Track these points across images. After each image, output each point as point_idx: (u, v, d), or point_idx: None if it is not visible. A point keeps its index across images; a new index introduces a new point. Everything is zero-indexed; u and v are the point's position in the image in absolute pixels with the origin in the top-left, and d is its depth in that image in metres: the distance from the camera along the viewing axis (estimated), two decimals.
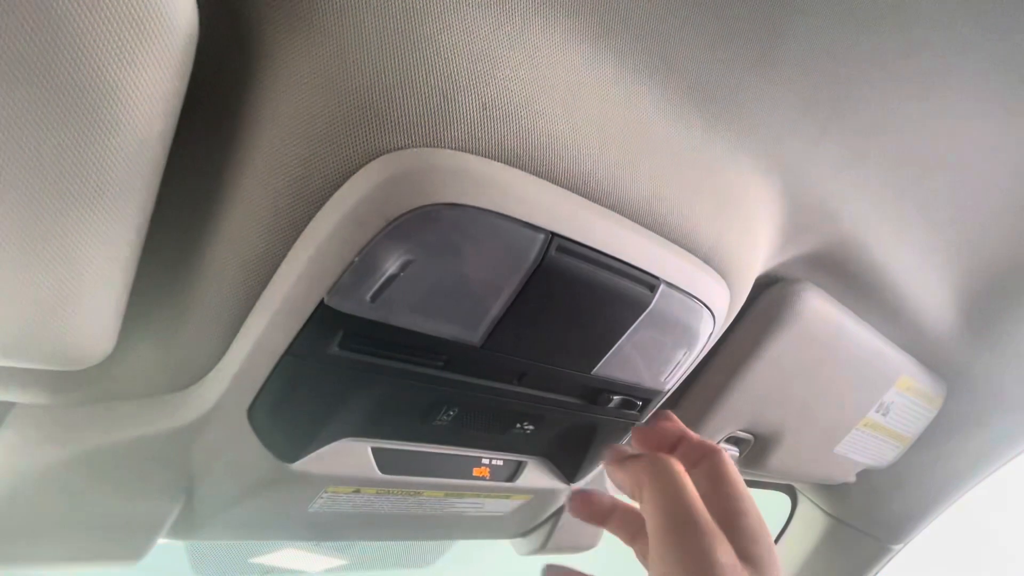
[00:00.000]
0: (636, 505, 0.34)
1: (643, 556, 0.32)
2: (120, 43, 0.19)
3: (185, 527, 0.37)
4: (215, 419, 0.31)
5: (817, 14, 0.28)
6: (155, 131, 0.22)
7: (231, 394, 0.30)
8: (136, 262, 0.26)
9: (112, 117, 0.21)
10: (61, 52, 0.19)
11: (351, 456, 0.35)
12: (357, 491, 0.37)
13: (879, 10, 0.28)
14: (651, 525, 0.26)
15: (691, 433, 0.31)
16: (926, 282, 0.49)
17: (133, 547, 0.34)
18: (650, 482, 0.26)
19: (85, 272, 0.24)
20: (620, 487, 0.30)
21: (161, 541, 0.36)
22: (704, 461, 0.29)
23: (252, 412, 0.31)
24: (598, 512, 0.34)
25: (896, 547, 0.80)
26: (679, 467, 0.27)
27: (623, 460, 0.30)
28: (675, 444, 0.31)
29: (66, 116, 0.20)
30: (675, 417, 0.34)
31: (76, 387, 0.31)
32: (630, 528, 0.33)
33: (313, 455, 0.33)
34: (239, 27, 0.25)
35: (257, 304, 0.28)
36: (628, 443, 0.33)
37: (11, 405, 0.33)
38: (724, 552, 0.24)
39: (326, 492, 0.36)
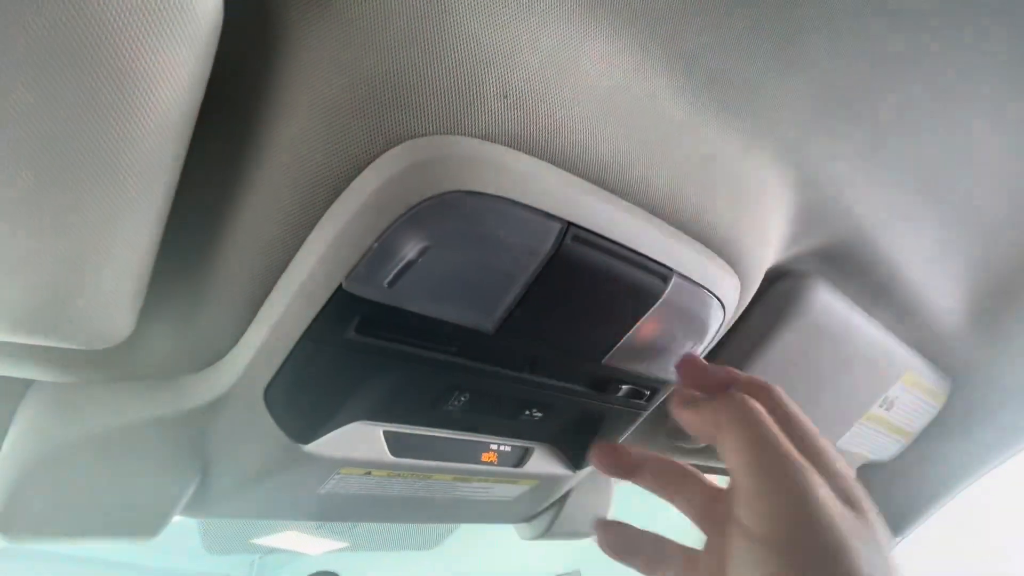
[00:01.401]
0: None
1: (693, 509, 0.29)
2: (144, 29, 0.20)
3: (200, 505, 0.38)
4: (232, 400, 0.32)
5: (840, 9, 0.28)
6: (178, 115, 0.22)
7: (248, 376, 0.31)
8: (158, 244, 0.26)
9: (136, 101, 0.21)
10: (85, 37, 0.19)
11: (363, 439, 0.36)
12: (368, 473, 0.38)
13: (903, 5, 0.28)
14: (742, 463, 0.24)
15: (737, 371, 0.29)
16: (936, 279, 0.49)
17: (149, 523, 0.35)
18: (737, 421, 0.25)
19: (107, 252, 0.25)
20: (692, 428, 0.28)
21: (176, 518, 0.37)
22: (765, 400, 0.27)
23: (268, 394, 0.31)
24: (625, 464, 0.31)
25: (895, 539, 0.81)
26: (760, 406, 0.26)
27: (693, 402, 0.28)
28: (725, 381, 0.29)
29: (90, 99, 0.20)
30: (699, 358, 0.32)
31: (95, 366, 0.32)
32: (669, 481, 0.30)
33: (326, 437, 0.34)
34: (263, 13, 0.25)
35: (275, 288, 0.29)
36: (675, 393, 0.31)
37: (30, 383, 0.33)
38: (822, 486, 0.23)
39: (338, 473, 0.37)
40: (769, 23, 0.28)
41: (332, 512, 0.43)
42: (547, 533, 0.55)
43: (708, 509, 0.29)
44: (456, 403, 0.36)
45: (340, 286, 0.27)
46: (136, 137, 0.22)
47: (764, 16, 0.28)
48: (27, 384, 0.33)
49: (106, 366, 0.32)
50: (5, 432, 0.33)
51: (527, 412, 0.40)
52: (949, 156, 0.38)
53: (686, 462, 0.31)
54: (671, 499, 0.30)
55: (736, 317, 0.42)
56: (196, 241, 0.30)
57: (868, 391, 0.59)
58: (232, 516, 0.41)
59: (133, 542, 0.35)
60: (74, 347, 0.28)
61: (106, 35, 0.19)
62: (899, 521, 0.79)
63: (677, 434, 0.56)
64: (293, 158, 0.26)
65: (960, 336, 0.57)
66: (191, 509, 0.38)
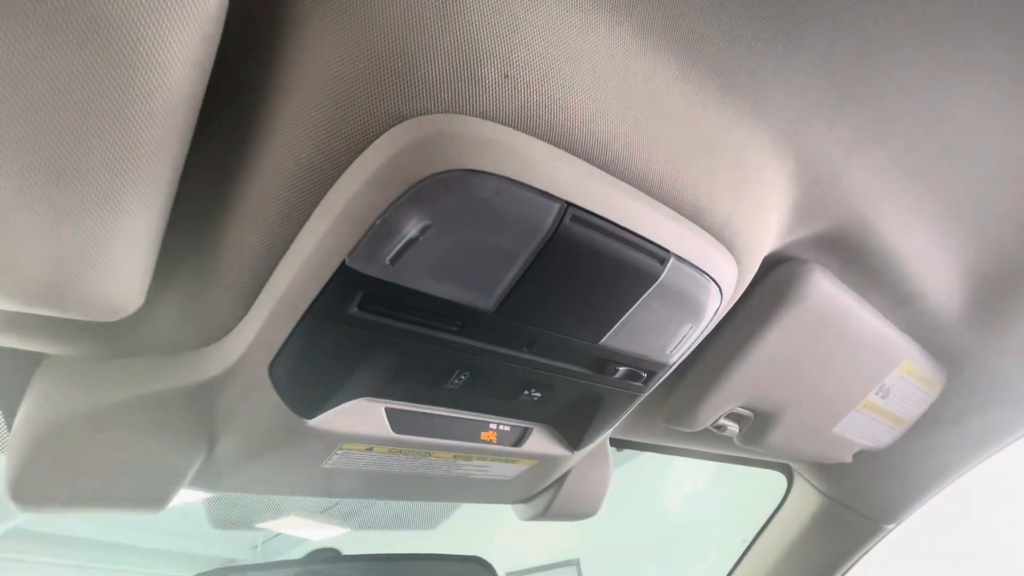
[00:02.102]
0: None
1: None
2: (152, 9, 0.20)
3: (206, 479, 0.39)
4: (237, 375, 0.33)
5: None
6: (186, 92, 0.23)
7: (253, 351, 0.32)
8: (166, 219, 0.27)
9: (146, 78, 0.21)
10: (98, 16, 0.19)
11: (366, 415, 0.36)
12: (370, 449, 0.38)
13: None
14: None
15: None
16: (934, 268, 0.49)
17: (157, 495, 0.36)
18: None
19: (118, 225, 0.25)
20: None
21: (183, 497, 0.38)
22: None
23: (273, 369, 0.32)
24: None
25: (889, 527, 0.82)
26: None
27: None
28: None
29: (104, 75, 0.21)
30: None
31: (105, 340, 0.33)
32: None
33: (330, 412, 0.35)
34: None
35: (280, 264, 0.29)
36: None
37: (42, 356, 0.34)
38: None
39: (341, 449, 0.38)
40: (771, 10, 0.28)
41: (334, 488, 0.44)
42: (545, 514, 0.56)
43: None
44: (457, 382, 0.37)
45: (343, 263, 0.27)
46: (146, 113, 0.22)
47: (767, 3, 0.28)
48: (39, 358, 0.34)
49: (115, 340, 0.33)
50: (18, 405, 0.34)
51: (526, 392, 0.40)
52: (950, 144, 0.38)
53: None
54: None
55: (734, 301, 0.42)
56: (203, 218, 0.31)
57: (865, 378, 0.60)
58: (237, 491, 0.42)
59: (141, 513, 0.36)
60: (85, 319, 0.29)
61: (115, 15, 0.20)
62: (893, 508, 0.80)
63: (673, 417, 0.57)
64: (297, 136, 0.26)
65: (958, 327, 0.57)
66: (197, 483, 0.39)
